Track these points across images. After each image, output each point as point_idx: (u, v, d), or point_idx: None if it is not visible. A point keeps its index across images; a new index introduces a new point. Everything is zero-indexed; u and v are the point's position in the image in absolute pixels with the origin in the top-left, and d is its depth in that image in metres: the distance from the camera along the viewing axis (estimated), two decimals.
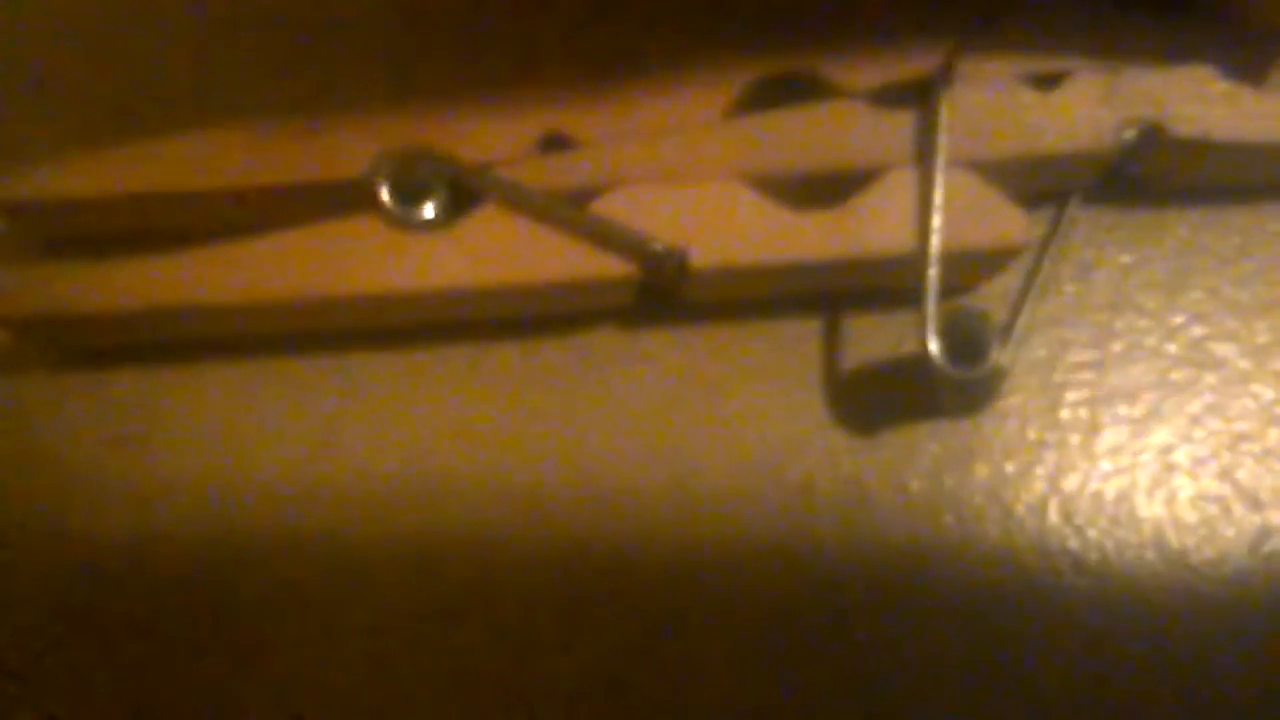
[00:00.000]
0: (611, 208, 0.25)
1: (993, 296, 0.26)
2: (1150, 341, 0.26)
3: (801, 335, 0.26)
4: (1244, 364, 0.26)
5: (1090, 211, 0.27)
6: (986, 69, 0.26)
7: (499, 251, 0.24)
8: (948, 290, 0.24)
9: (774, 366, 0.26)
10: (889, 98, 0.26)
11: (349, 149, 0.25)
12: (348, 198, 0.25)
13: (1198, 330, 0.27)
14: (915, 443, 0.26)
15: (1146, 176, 0.27)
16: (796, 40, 0.26)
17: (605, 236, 0.24)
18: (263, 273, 0.24)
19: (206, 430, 0.26)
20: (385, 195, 0.25)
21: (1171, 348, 0.26)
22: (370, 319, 0.26)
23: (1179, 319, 0.27)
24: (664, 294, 0.25)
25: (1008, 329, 0.25)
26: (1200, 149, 0.26)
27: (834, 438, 0.26)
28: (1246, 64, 0.26)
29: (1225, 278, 0.27)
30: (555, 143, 0.26)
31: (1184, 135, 0.25)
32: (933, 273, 0.24)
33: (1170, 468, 0.25)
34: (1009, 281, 0.26)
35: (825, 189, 0.25)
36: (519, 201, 0.25)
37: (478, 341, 0.26)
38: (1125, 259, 0.27)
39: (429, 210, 0.25)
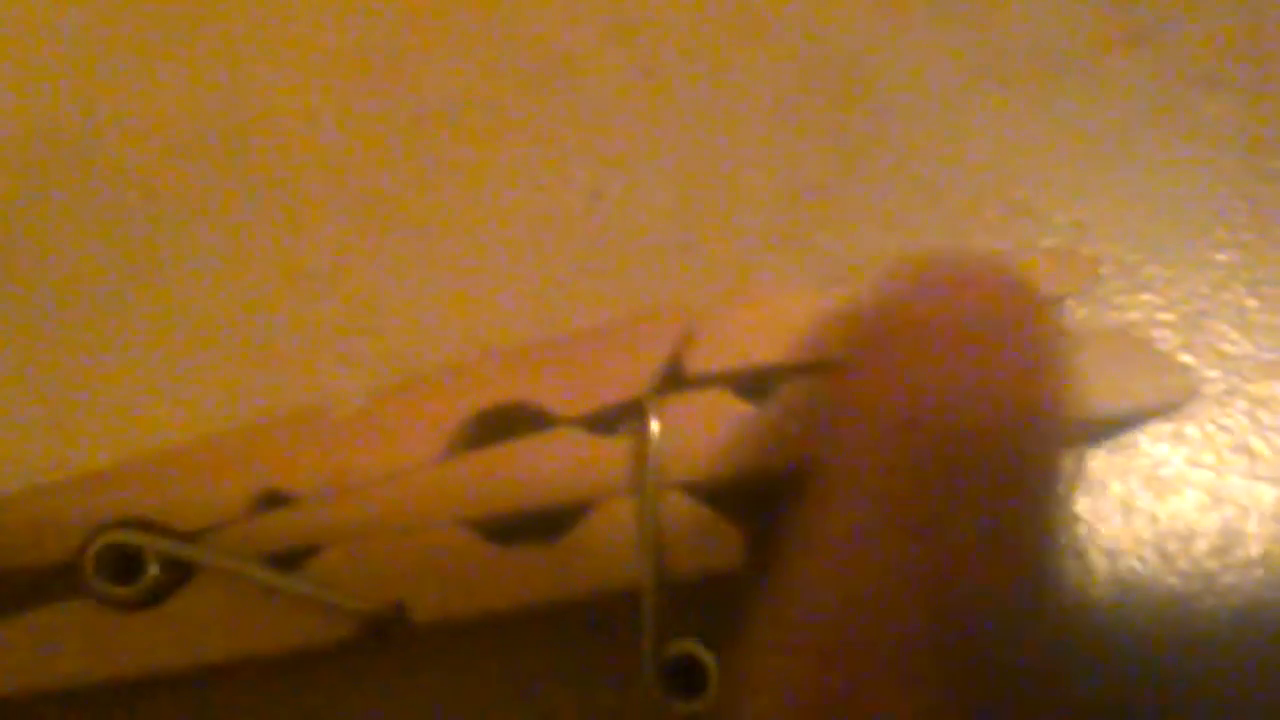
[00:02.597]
0: (328, 567, 0.25)
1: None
2: None
3: (533, 672, 0.26)
4: None
5: None
6: (700, 381, 0.26)
7: (214, 626, 0.24)
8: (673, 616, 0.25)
9: (505, 706, 0.26)
10: (602, 423, 0.26)
11: (49, 528, 0.25)
12: (53, 582, 0.24)
13: None
14: None
15: None
16: (506, 372, 0.26)
17: (320, 601, 0.24)
18: None
19: None
20: (94, 576, 0.24)
21: None
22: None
23: None
24: (387, 644, 0.25)
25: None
26: None
27: None
28: None
29: None
30: (272, 500, 0.25)
31: None
32: (651, 604, 0.24)
33: None
34: None
35: (544, 524, 0.25)
36: (233, 570, 0.24)
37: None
38: None
39: (141, 587, 0.24)
